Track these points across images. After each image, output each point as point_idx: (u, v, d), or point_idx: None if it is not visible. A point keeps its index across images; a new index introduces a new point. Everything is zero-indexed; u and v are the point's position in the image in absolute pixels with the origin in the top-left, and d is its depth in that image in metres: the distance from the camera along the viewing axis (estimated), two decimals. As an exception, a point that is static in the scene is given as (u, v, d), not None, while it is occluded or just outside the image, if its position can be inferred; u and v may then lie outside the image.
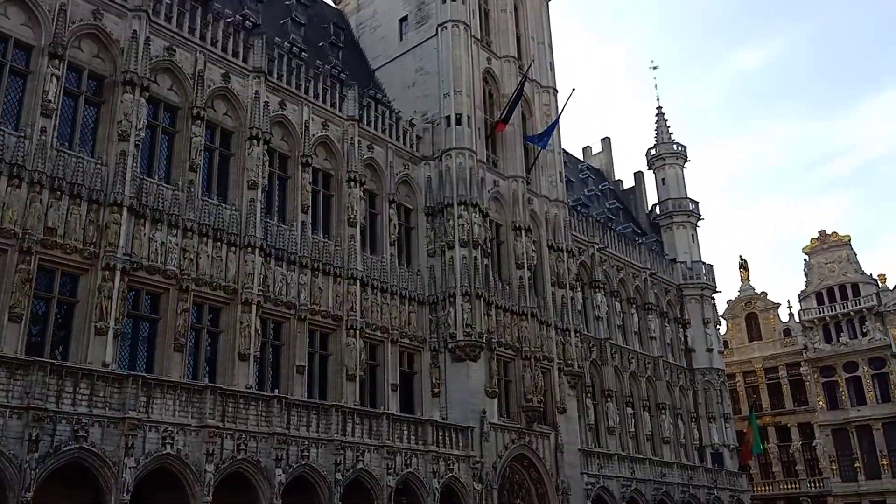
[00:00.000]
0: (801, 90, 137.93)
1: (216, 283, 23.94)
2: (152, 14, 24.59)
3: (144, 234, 22.41)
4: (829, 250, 59.86)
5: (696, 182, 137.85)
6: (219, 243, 24.40)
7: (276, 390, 24.13)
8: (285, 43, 31.78)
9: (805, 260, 60.99)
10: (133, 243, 22.00)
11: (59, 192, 21.01)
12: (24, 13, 22.11)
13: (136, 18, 24.05)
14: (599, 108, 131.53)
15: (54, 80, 21.83)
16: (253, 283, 24.52)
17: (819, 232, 60.68)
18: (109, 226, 21.54)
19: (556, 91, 41.00)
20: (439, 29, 35.34)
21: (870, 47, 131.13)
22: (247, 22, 30.07)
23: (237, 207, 25.44)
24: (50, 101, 21.44)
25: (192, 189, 24.20)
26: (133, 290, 22.15)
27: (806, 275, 60.71)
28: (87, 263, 21.13)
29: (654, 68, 57.42)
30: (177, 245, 23.18)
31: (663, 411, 43.47)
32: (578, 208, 44.44)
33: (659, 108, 55.24)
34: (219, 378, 23.24)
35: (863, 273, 58.55)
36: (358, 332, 27.61)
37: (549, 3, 43.22)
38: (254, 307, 24.32)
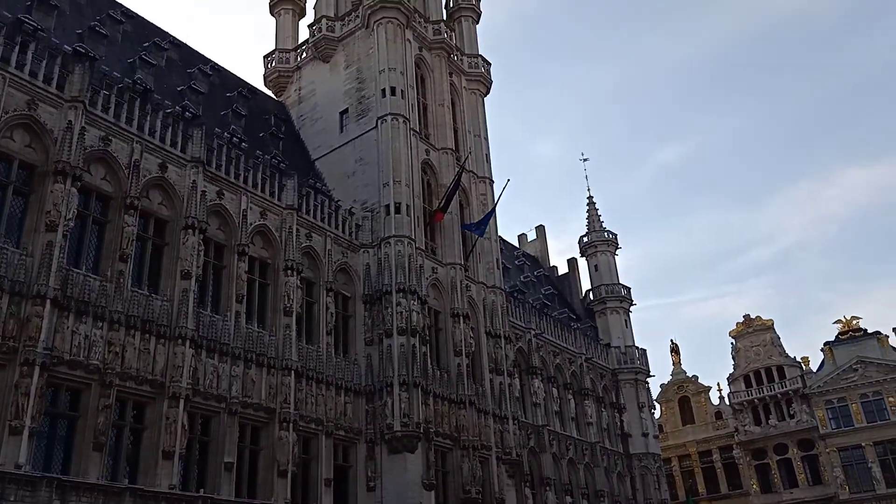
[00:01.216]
0: (720, 182, 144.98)
1: (142, 377, 23.17)
2: (89, 105, 24.54)
3: (68, 328, 21.70)
4: (753, 334, 61.86)
5: (628, 269, 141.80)
6: (147, 335, 23.75)
7: (202, 490, 23.19)
8: (225, 133, 32.08)
9: (732, 344, 62.79)
10: (55, 337, 21.25)
11: (-21, 285, 20.34)
12: (-45, 104, 21.88)
13: (73, 109, 23.93)
14: (533, 197, 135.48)
15: (-19, 169, 21.48)
16: (182, 377, 23.80)
17: (744, 316, 62.84)
18: (31, 319, 20.82)
19: (493, 181, 42.19)
20: (379, 121, 36.26)
21: (781, 142, 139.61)
22: (186, 113, 30.29)
23: (169, 298, 24.97)
24: (-25, 191, 21.04)
25: (122, 280, 23.70)
26: (52, 385, 21.21)
27: (734, 358, 62.40)
28: (4, 359, 20.26)
29: (585, 160, 59.40)
30: (101, 338, 22.43)
31: (602, 499, 43.24)
32: (515, 294, 45.08)
33: (590, 197, 57.27)
34: (140, 478, 22.21)
35: (787, 356, 60.54)
36: (291, 424, 26.96)
37: (485, 99, 44.87)
38: (181, 401, 23.52)
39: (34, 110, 23.36)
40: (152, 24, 35.01)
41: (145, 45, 32.37)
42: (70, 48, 27.23)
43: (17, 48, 23.31)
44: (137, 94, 27.74)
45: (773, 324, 61.99)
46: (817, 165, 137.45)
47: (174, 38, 35.52)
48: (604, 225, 55.59)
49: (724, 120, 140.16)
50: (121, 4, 33.51)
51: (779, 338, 61.41)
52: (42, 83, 23.63)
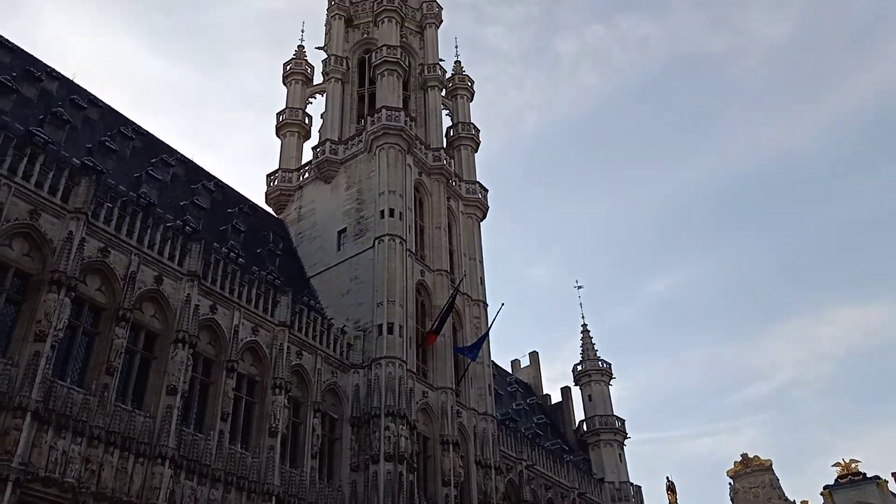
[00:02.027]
0: (713, 316, 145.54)
1: (117, 498, 22.11)
2: (91, 216, 24.80)
3: (46, 442, 20.95)
4: (752, 474, 60.01)
5: (622, 399, 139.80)
6: (126, 453, 22.89)
7: None
8: (223, 248, 32.35)
9: (730, 484, 60.78)
10: (32, 451, 20.49)
11: (-41, 395, 19.81)
12: (-42, 210, 22.07)
13: (75, 220, 24.14)
14: (527, 322, 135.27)
15: (-23, 276, 21.41)
16: (158, 499, 22.76)
17: (742, 455, 61.06)
18: (10, 432, 20.13)
19: (487, 305, 42.22)
20: (376, 241, 36.71)
21: (773, 279, 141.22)
22: (187, 227, 30.67)
23: (152, 414, 24.29)
24: (-33, 298, 20.89)
25: (106, 394, 23.13)
26: (24, 503, 20.27)
27: (731, 499, 60.20)
28: (-24, 473, 19.44)
29: (579, 287, 59.72)
30: (79, 455, 21.60)
31: None
32: (507, 423, 44.07)
33: (584, 325, 57.15)
34: None
35: (786, 498, 58.51)
36: (269, 555, 25.59)
37: (481, 224, 45.66)
38: (156, 526, 22.43)
39: (36, 220, 23.58)
40: (161, 140, 36.13)
41: (153, 160, 33.22)
42: (78, 161, 27.88)
43: (25, 159, 23.82)
44: (140, 208, 28.15)
45: (771, 464, 60.27)
46: (810, 303, 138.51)
47: (181, 154, 36.53)
48: (598, 353, 55.19)
49: (716, 254, 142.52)
50: (132, 121, 34.67)
51: (778, 479, 59.56)
52: (47, 194, 23.99)
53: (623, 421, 52.05)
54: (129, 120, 34.52)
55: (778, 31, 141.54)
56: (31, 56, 31.21)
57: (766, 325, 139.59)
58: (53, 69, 31.64)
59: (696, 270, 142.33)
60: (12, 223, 22.98)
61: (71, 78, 32.46)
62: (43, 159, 24.58)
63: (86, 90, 32.81)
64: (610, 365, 54.75)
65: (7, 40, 30.38)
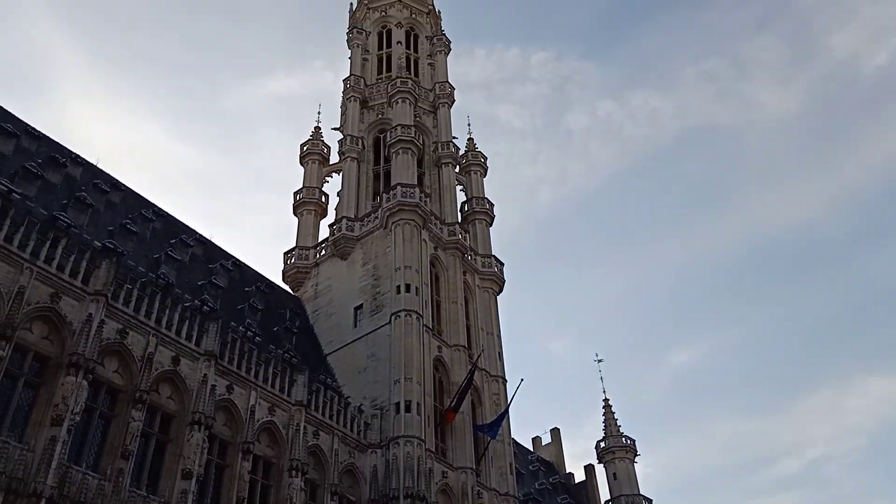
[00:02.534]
0: (739, 388, 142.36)
1: (131, 588, 21.58)
2: (111, 298, 25.02)
3: (59, 530, 20.58)
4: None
5: (648, 476, 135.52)
6: (140, 541, 22.46)
7: None
8: (240, 327, 32.36)
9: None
10: (45, 540, 20.09)
11: (-25, 482, 19.57)
12: (-19, 295, 22.31)
13: (94, 302, 24.39)
14: (548, 398, 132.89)
15: (-2, 360, 21.43)
16: (172, 589, 22.15)
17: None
18: (22, 519, 19.81)
19: (506, 380, 41.65)
20: (393, 317, 36.61)
21: (798, 350, 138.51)
22: (205, 307, 30.80)
23: (166, 499, 23.89)
24: (-13, 383, 20.87)
25: (121, 479, 22.83)
26: None
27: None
28: (-13, 563, 19.05)
29: (599, 361, 58.77)
30: (92, 543, 21.22)
31: None
32: (529, 503, 42.77)
33: (606, 400, 56.04)
34: None
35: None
36: None
37: (498, 298, 45.51)
38: None
39: (57, 302, 23.82)
40: (180, 221, 36.73)
41: (172, 241, 33.71)
42: (100, 244, 28.32)
43: (48, 243, 24.22)
44: (159, 289, 28.39)
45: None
46: (837, 374, 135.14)
47: (200, 235, 37.08)
48: (621, 429, 53.90)
49: (738, 325, 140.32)
50: (153, 204, 35.35)
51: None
52: (68, 277, 24.31)
53: (650, 501, 50.40)
54: (149, 202, 35.24)
55: (786, 103, 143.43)
56: (57, 143, 32.19)
57: (793, 397, 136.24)
58: (78, 155, 32.57)
59: (718, 342, 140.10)
60: (33, 306, 23.20)
61: (94, 163, 33.42)
62: (65, 243, 25.03)
63: (108, 174, 33.70)
64: (634, 441, 53.38)
65: (34, 128, 31.41)
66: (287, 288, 43.09)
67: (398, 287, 37.74)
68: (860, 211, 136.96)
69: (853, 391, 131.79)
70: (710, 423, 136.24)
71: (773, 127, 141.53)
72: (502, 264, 46.76)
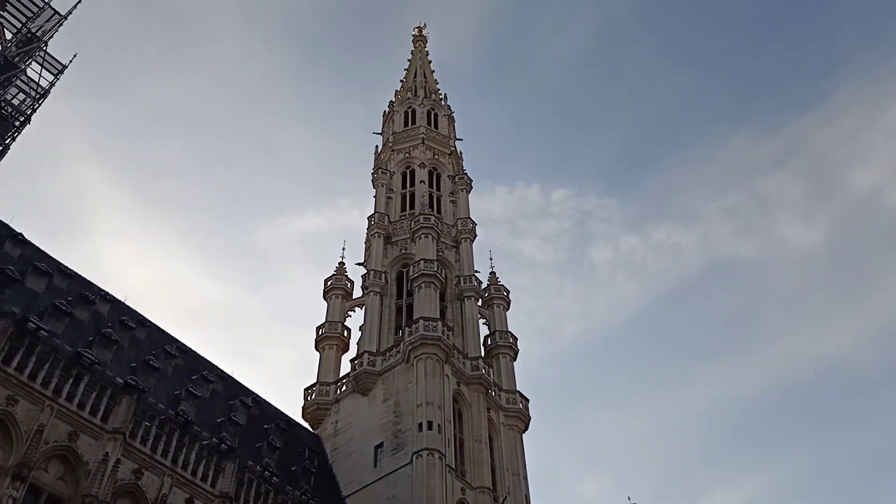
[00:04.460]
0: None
1: None
2: (129, 436, 24.81)
3: None
4: None
5: None
6: None
7: None
8: (257, 467, 31.58)
9: None
10: None
11: None
12: (1, 433, 22.22)
13: (112, 441, 24.27)
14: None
15: (11, 502, 21.18)
16: None
17: None
18: None
19: (537, 538, 39.70)
20: (414, 457, 35.62)
21: (843, 489, 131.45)
22: (223, 445, 30.21)
23: None
24: (-2, 526, 20.39)
25: None
26: None
27: None
28: None
29: (632, 504, 56.08)
30: None
31: None
32: None
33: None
34: None
35: None
36: None
37: (524, 435, 44.20)
38: None
39: (74, 441, 23.70)
40: (203, 357, 36.84)
41: (193, 377, 33.68)
42: (122, 381, 28.34)
43: (70, 381, 24.39)
44: (178, 426, 28.11)
45: None
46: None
47: (221, 370, 37.05)
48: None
49: (779, 467, 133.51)
50: (176, 339, 35.67)
51: None
52: (88, 414, 24.34)
53: None
54: (173, 338, 35.54)
55: (810, 237, 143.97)
56: (87, 280, 33.06)
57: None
58: (107, 292, 33.32)
59: (758, 484, 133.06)
60: (51, 445, 23.10)
61: (123, 300, 34.09)
62: (87, 380, 25.21)
63: (135, 311, 34.28)
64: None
65: (66, 267, 32.39)
66: (307, 425, 42.31)
67: (420, 424, 36.98)
68: (891, 345, 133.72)
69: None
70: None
71: (799, 261, 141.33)
72: (527, 400, 45.76)
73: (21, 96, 30.93)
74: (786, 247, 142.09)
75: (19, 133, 30.91)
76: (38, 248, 31.69)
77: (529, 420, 44.94)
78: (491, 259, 55.75)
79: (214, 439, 30.51)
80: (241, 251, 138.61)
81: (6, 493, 21.18)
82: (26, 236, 31.40)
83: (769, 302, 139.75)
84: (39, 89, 31.36)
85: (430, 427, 36.74)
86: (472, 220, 54.75)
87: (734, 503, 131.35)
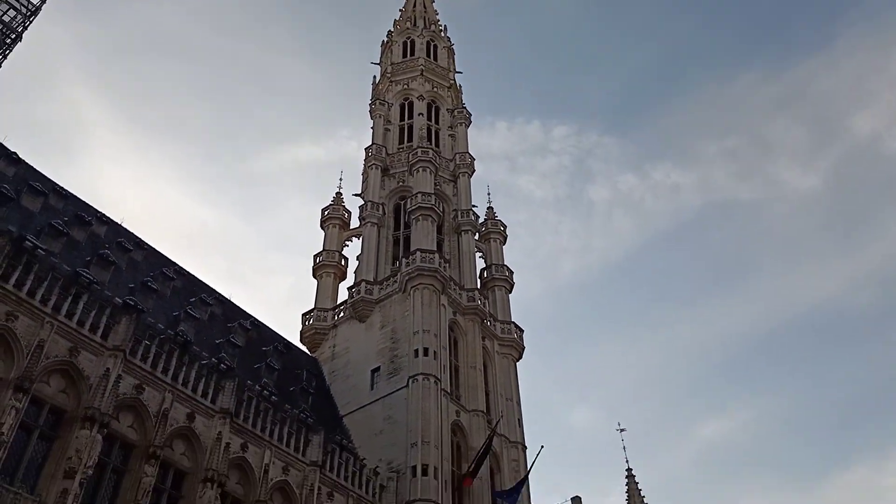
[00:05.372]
0: (768, 464, 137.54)
1: None
2: (129, 354, 25.22)
3: (65, 583, 20.23)
4: None
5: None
6: None
7: None
8: (256, 386, 32.31)
9: None
10: None
11: (-16, 534, 19.42)
12: (1, 346, 22.57)
13: (113, 357, 24.58)
14: (569, 466, 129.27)
15: (13, 412, 21.57)
16: None
17: None
18: (29, 571, 19.54)
19: (525, 447, 40.78)
20: (410, 381, 36.35)
21: (832, 424, 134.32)
22: (222, 365, 30.86)
23: (176, 556, 23.42)
24: (2, 434, 20.89)
25: (130, 536, 22.51)
26: None
27: None
28: None
29: (621, 430, 57.46)
30: None
31: None
32: (551, 575, 41.23)
33: (629, 469, 54.57)
34: None
35: None
36: None
37: (518, 365, 44.98)
38: None
39: (75, 357, 24.04)
40: (201, 280, 37.21)
41: (191, 300, 34.08)
42: (120, 300, 28.73)
43: (69, 298, 24.64)
44: (177, 346, 28.61)
45: None
46: (871, 450, 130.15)
47: (219, 294, 37.47)
48: (645, 500, 52.24)
49: (767, 398, 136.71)
50: (174, 262, 35.96)
51: None
52: (87, 332, 24.60)
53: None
54: (171, 261, 35.84)
55: (808, 182, 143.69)
56: (83, 202, 33.13)
57: (826, 473, 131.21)
58: (103, 214, 33.45)
59: (747, 415, 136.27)
60: (52, 360, 23.44)
61: (119, 222, 34.24)
62: (86, 298, 25.44)
63: (132, 233, 34.47)
64: (660, 513, 51.61)
65: (62, 187, 32.46)
66: (304, 349, 43.09)
67: (416, 350, 37.61)
68: (883, 290, 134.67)
69: (890, 469, 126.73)
70: (740, 498, 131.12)
71: (796, 205, 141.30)
72: (522, 331, 46.45)
73: (11, 13, 30.41)
74: (784, 190, 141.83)
75: (10, 51, 30.52)
76: (32, 167, 31.65)
77: (523, 349, 45.70)
78: (489, 194, 55.94)
79: (213, 359, 31.11)
80: (237, 179, 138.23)
81: (9, 405, 21.58)
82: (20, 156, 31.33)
83: (764, 244, 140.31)
84: (30, 6, 30.83)
85: (426, 353, 37.39)
86: (470, 154, 54.53)
87: (722, 432, 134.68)
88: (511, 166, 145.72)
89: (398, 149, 53.87)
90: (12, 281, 23.40)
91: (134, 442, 24.72)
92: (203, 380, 27.65)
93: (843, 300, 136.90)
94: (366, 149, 52.94)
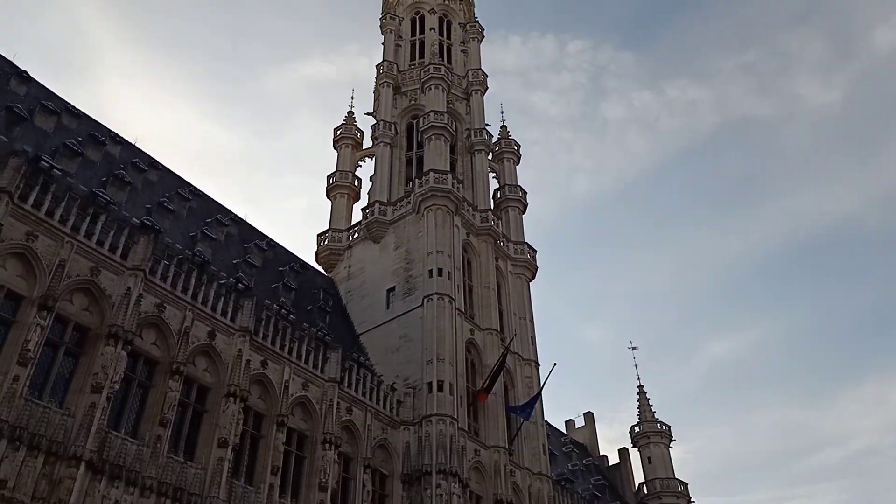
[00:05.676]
0: (779, 379, 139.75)
1: (168, 550, 22.04)
2: (149, 273, 25.48)
3: (99, 492, 21.12)
4: (829, 542, 56.58)
5: (684, 462, 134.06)
6: (178, 504, 22.91)
7: None
8: (274, 305, 32.77)
9: (806, 552, 57.34)
10: (85, 500, 20.63)
11: (17, 443, 20.12)
12: (23, 265, 22.83)
13: (133, 276, 24.83)
14: (581, 383, 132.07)
15: (38, 329, 21.93)
16: (208, 552, 22.58)
17: (817, 522, 57.81)
18: (63, 480, 20.36)
19: (538, 364, 41.53)
20: (425, 300, 36.73)
21: (841, 341, 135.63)
22: (239, 285, 31.24)
23: (203, 466, 24.32)
24: (29, 351, 21.34)
25: (159, 445, 23.33)
26: (75, 552, 20.27)
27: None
28: (30, 521, 19.59)
29: (633, 348, 58.19)
30: (131, 505, 21.72)
31: None
32: (563, 483, 42.65)
33: (640, 386, 55.54)
34: None
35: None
36: None
37: (531, 285, 45.31)
38: (205, 580, 22.15)
39: (96, 276, 24.31)
40: (216, 201, 37.27)
41: (207, 220, 34.24)
42: (138, 221, 28.90)
43: (87, 219, 24.75)
44: (195, 266, 28.89)
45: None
46: (882, 367, 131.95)
47: (235, 214, 37.60)
48: (656, 415, 53.37)
49: (779, 317, 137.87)
50: (189, 183, 35.95)
51: (856, 548, 56.02)
52: (107, 251, 24.78)
53: (686, 485, 49.90)
54: (186, 182, 35.83)
55: (828, 97, 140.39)
56: (96, 121, 32.90)
57: (837, 388, 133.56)
58: (117, 134, 33.27)
59: (758, 333, 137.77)
60: (74, 279, 23.70)
61: (133, 142, 34.08)
62: (104, 219, 25.55)
63: (146, 153, 34.34)
64: (669, 427, 52.84)
65: (74, 107, 32.18)
66: (320, 269, 43.49)
67: (430, 271, 37.85)
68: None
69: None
70: (750, 412, 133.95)
71: (814, 121, 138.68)
72: (535, 251, 46.59)
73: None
74: (802, 106, 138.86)
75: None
76: (43, 86, 31.26)
77: (536, 270, 45.93)
78: (502, 112, 55.15)
79: (231, 279, 31.45)
80: (248, 97, 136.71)
81: (34, 322, 21.96)
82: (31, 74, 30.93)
83: (781, 162, 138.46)
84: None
85: (440, 273, 37.63)
86: (483, 71, 53.44)
87: (733, 350, 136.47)
88: (525, 83, 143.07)
89: (410, 65, 52.86)
90: (31, 201, 23.47)
91: (157, 358, 25.28)
92: (222, 299, 28.01)
93: (857, 218, 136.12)
94: (377, 66, 51.97)
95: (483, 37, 56.57)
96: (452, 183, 41.62)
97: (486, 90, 52.70)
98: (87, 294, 24.12)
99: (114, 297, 24.21)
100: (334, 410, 29.62)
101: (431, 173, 41.75)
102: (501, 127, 53.14)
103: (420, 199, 40.98)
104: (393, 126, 48.57)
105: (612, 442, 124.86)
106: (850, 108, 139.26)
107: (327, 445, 28.50)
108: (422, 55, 53.35)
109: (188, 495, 23.29)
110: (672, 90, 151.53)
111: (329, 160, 49.47)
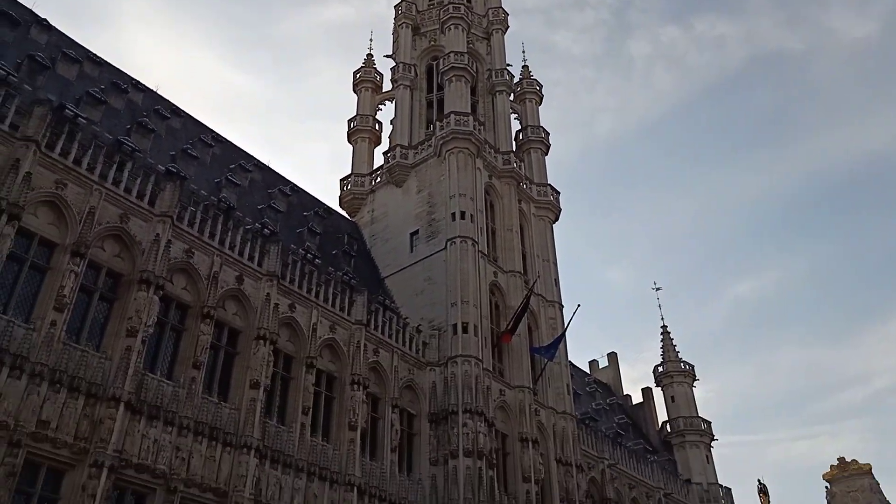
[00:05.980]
0: (803, 319, 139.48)
1: (206, 485, 22.88)
2: (176, 220, 25.80)
3: (138, 431, 21.86)
4: (850, 478, 57.42)
5: (707, 401, 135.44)
6: (214, 442, 23.70)
7: None
8: (300, 250, 33.11)
9: (826, 487, 58.23)
10: (125, 440, 21.38)
11: (58, 385, 20.77)
12: (54, 213, 23.13)
13: (161, 223, 25.14)
14: (605, 324, 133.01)
15: (72, 276, 22.35)
16: (245, 486, 23.43)
17: (838, 459, 58.57)
18: (104, 421, 21.07)
19: (562, 306, 41.80)
20: (448, 243, 36.88)
21: (867, 280, 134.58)
22: (265, 230, 31.53)
23: (237, 406, 25.04)
24: (65, 297, 21.83)
25: (194, 386, 24.01)
26: (118, 489, 21.10)
27: (829, 502, 57.62)
28: (74, 459, 20.38)
29: (657, 289, 58.24)
30: (170, 443, 22.50)
31: None
32: (587, 422, 43.39)
33: (664, 326, 55.74)
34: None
35: (889, 503, 55.59)
36: (353, 545, 25.88)
37: (554, 226, 45.24)
38: (244, 512, 23.02)
39: (126, 223, 24.63)
40: (239, 147, 37.39)
41: (231, 166, 34.41)
42: (163, 168, 29.10)
43: (114, 167, 24.97)
44: (221, 211, 29.16)
45: (871, 469, 57.53)
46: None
47: (258, 160, 37.75)
48: (679, 355, 53.73)
49: (804, 256, 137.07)
50: (212, 130, 36.04)
51: (878, 484, 56.75)
52: (135, 199, 25.06)
53: (709, 423, 50.53)
54: (208, 128, 35.92)
55: (862, 30, 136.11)
56: (118, 69, 32.92)
57: (860, 328, 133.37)
58: (139, 81, 33.30)
59: (784, 272, 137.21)
60: (104, 226, 24.02)
61: (154, 89, 34.12)
62: (131, 166, 25.74)
63: (168, 100, 34.39)
64: (693, 367, 53.24)
65: (96, 55, 32.15)
66: (344, 213, 43.72)
67: (453, 214, 37.88)
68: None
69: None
70: (773, 352, 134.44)
71: (847, 55, 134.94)
72: (558, 193, 46.38)
73: None
74: (835, 39, 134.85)
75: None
76: (64, 34, 31.24)
77: (559, 211, 45.80)
78: (524, 52, 54.25)
79: (257, 224, 31.76)
80: (266, 41, 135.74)
81: (68, 268, 22.40)
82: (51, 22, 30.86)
83: (812, 97, 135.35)
84: None
85: (462, 217, 37.66)
86: (503, 9, 52.39)
87: (757, 289, 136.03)
88: (546, 21, 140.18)
89: (429, 5, 51.94)
90: (58, 150, 23.67)
91: (189, 303, 25.77)
92: (249, 244, 28.33)
93: (888, 158, 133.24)
94: (395, 6, 51.16)
95: (503, -28, 55.18)
96: (474, 125, 41.29)
97: (506, 29, 51.73)
98: (118, 241, 24.48)
99: (144, 244, 24.56)
100: (361, 352, 30.17)
101: (452, 116, 41.40)
102: (523, 67, 52.35)
103: (441, 142, 40.76)
104: (412, 68, 48.02)
105: (635, 382, 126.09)
106: (886, 41, 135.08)
107: (356, 386, 29.14)
108: (441, -6, 52.26)
109: (224, 434, 24.05)
110: (700, 24, 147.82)
111: (349, 104, 49.09)
